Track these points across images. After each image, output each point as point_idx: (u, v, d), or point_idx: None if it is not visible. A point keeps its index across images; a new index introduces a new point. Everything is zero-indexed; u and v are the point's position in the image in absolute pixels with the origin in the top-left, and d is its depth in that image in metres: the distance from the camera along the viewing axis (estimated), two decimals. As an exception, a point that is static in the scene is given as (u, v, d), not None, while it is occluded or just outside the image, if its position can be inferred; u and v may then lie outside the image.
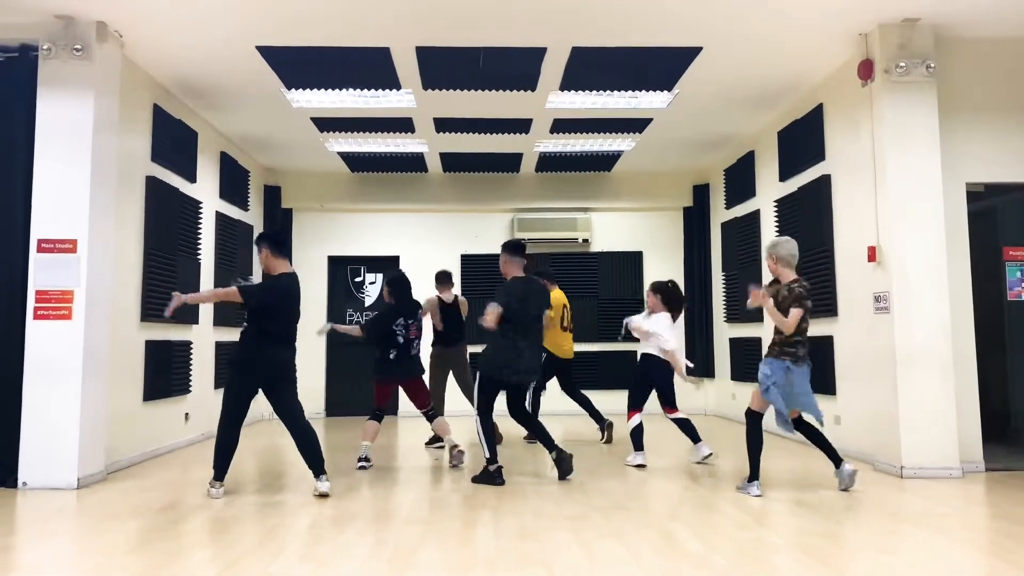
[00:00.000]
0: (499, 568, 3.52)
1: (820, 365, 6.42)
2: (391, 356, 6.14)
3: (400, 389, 6.51)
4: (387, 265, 10.71)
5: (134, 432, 6.52)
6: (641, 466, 6.19)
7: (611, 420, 7.69)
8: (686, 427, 6.34)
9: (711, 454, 6.29)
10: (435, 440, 7.35)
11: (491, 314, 5.40)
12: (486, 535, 4.10)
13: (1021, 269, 6.33)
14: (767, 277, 8.29)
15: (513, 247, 5.82)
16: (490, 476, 5.50)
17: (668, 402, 6.35)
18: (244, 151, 9.41)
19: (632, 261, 10.76)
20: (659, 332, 6.22)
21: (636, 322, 6.42)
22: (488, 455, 5.51)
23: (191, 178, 7.68)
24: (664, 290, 6.42)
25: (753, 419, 5.19)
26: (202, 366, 7.97)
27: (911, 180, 5.85)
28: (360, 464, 6.15)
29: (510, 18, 5.77)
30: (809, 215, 7.29)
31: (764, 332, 8.48)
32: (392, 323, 6.15)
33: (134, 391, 6.58)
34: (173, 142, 7.24)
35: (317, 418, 10.08)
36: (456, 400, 7.63)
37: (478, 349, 6.90)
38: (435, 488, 5.45)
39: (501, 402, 5.65)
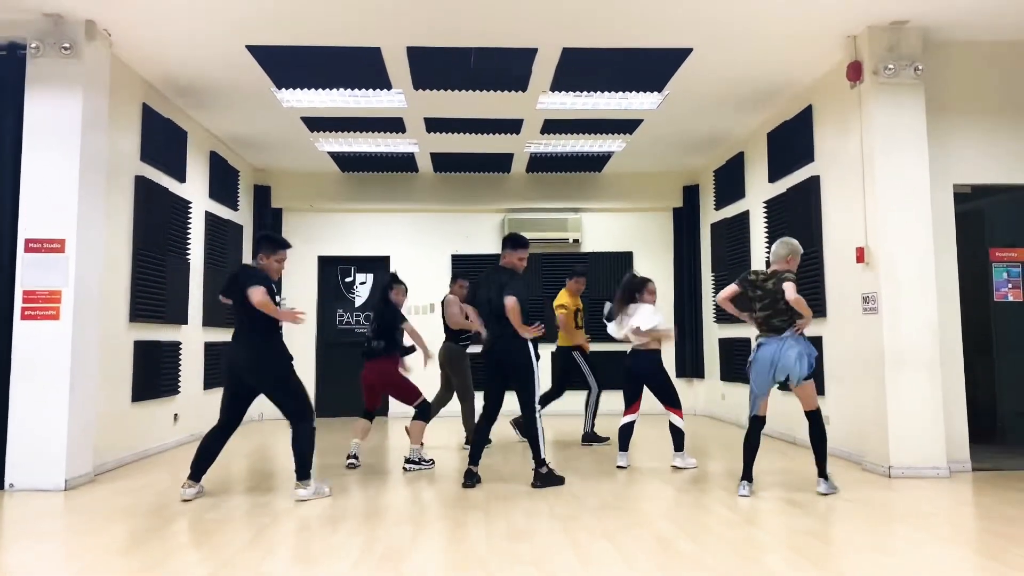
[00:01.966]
0: (491, 569, 3.51)
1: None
2: None
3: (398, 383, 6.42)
4: (377, 265, 10.71)
5: (122, 433, 6.48)
6: (621, 467, 6.15)
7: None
8: (677, 435, 6.23)
9: (683, 467, 6.13)
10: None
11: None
12: (478, 536, 4.10)
13: (1008, 270, 6.39)
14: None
15: (504, 241, 5.95)
16: (544, 478, 5.45)
17: (670, 401, 6.22)
18: (234, 151, 9.37)
19: (622, 261, 10.76)
20: (639, 322, 6.19)
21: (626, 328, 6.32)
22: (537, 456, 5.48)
23: (180, 178, 7.64)
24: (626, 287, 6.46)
25: (756, 423, 5.21)
26: (191, 367, 7.93)
27: (899, 181, 5.89)
28: (408, 467, 6.17)
29: (501, 19, 5.77)
30: (798, 216, 7.33)
31: (753, 333, 8.50)
32: None
33: (122, 392, 6.54)
34: (162, 141, 7.20)
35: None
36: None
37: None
38: (426, 489, 5.44)
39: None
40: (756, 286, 5.26)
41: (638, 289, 6.41)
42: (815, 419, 5.14)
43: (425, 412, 6.30)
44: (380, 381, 6.28)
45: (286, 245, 5.34)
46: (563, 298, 7.69)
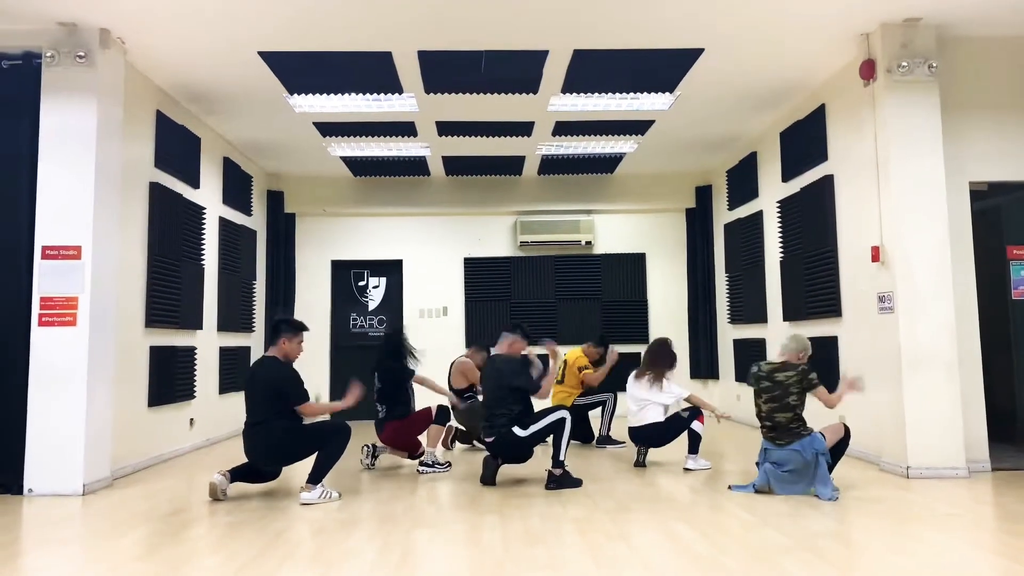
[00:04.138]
0: (507, 572, 3.51)
1: (825, 366, 6.40)
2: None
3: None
4: (390, 269, 10.74)
5: (139, 438, 6.53)
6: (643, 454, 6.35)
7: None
8: (695, 439, 6.22)
9: (695, 468, 6.14)
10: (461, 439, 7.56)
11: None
12: (493, 539, 4.10)
13: (1025, 268, 6.31)
14: (771, 282, 8.31)
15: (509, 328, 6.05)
16: (559, 480, 5.48)
17: (688, 424, 6.25)
18: (247, 156, 9.43)
19: (635, 263, 10.75)
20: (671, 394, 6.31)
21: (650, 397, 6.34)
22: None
23: (194, 184, 7.69)
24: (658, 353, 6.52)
25: None
26: (206, 372, 7.97)
27: (914, 180, 5.84)
28: (422, 469, 6.23)
29: (512, 21, 5.77)
30: (812, 216, 7.28)
31: (767, 333, 8.47)
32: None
33: (139, 397, 6.58)
34: (176, 148, 7.25)
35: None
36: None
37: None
38: (442, 492, 5.45)
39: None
40: (761, 378, 5.19)
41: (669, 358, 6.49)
42: (843, 439, 5.22)
43: (444, 416, 6.38)
44: (396, 438, 6.37)
45: (304, 328, 5.51)
46: (574, 353, 7.70)
